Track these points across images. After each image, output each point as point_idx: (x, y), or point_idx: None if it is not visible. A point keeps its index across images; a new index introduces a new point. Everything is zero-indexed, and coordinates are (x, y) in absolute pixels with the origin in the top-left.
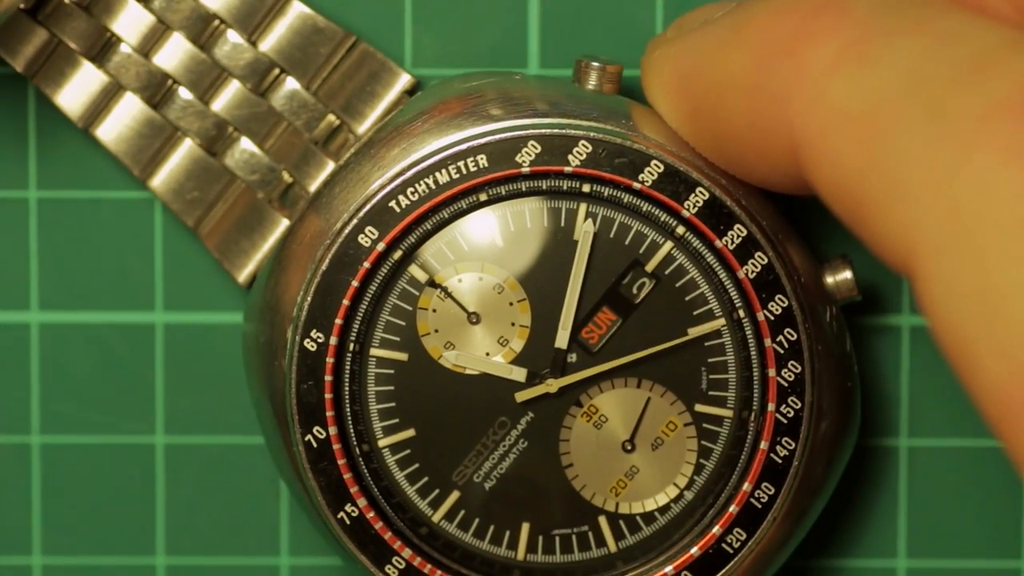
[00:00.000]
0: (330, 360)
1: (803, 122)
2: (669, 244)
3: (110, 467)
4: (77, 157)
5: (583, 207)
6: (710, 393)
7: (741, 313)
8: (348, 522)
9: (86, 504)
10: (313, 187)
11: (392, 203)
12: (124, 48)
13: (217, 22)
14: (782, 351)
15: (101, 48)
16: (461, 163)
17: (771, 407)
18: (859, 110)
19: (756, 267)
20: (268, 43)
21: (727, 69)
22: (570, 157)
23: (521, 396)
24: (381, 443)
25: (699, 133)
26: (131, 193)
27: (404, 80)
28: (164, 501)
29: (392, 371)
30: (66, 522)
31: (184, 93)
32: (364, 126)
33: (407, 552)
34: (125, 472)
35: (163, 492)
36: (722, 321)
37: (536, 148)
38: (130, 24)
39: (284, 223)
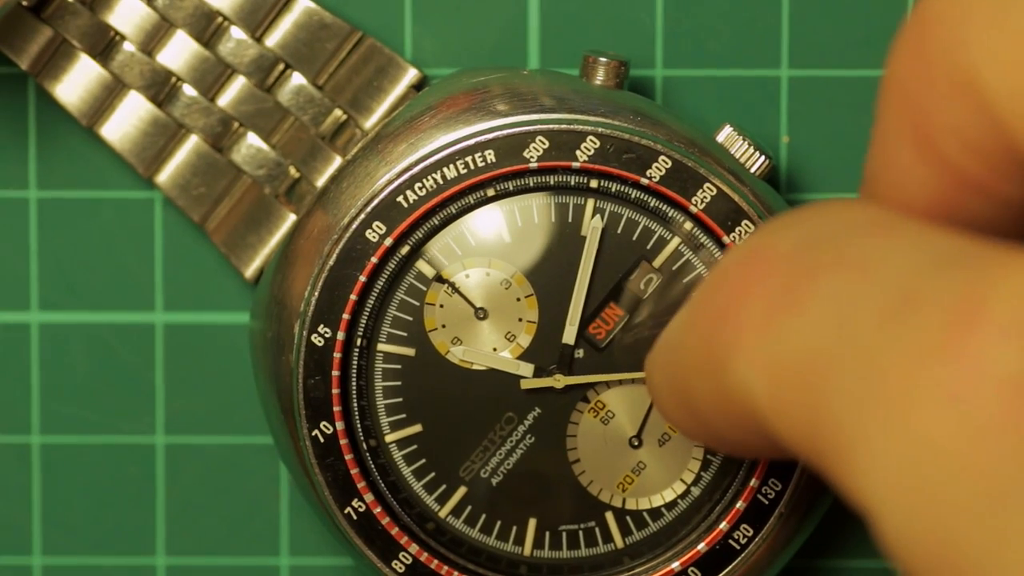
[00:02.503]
0: (337, 355)
1: (747, 384)
2: (677, 240)
3: (110, 467)
4: (77, 156)
5: (591, 203)
6: None
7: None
8: (355, 517)
9: (86, 504)
10: (320, 182)
11: (399, 198)
12: (128, 46)
13: (221, 19)
14: None
15: (105, 46)
16: (469, 158)
17: None
18: (796, 363)
19: None
20: (274, 39)
21: (687, 355)
22: (578, 153)
23: (527, 384)
24: (388, 438)
25: (692, 425)
26: (131, 193)
27: (411, 75)
28: (164, 501)
29: (399, 366)
30: (66, 522)
31: (188, 90)
32: (371, 121)
33: (414, 547)
34: (125, 472)
35: (163, 492)
36: None
37: (544, 143)
38: (134, 22)
39: (291, 218)
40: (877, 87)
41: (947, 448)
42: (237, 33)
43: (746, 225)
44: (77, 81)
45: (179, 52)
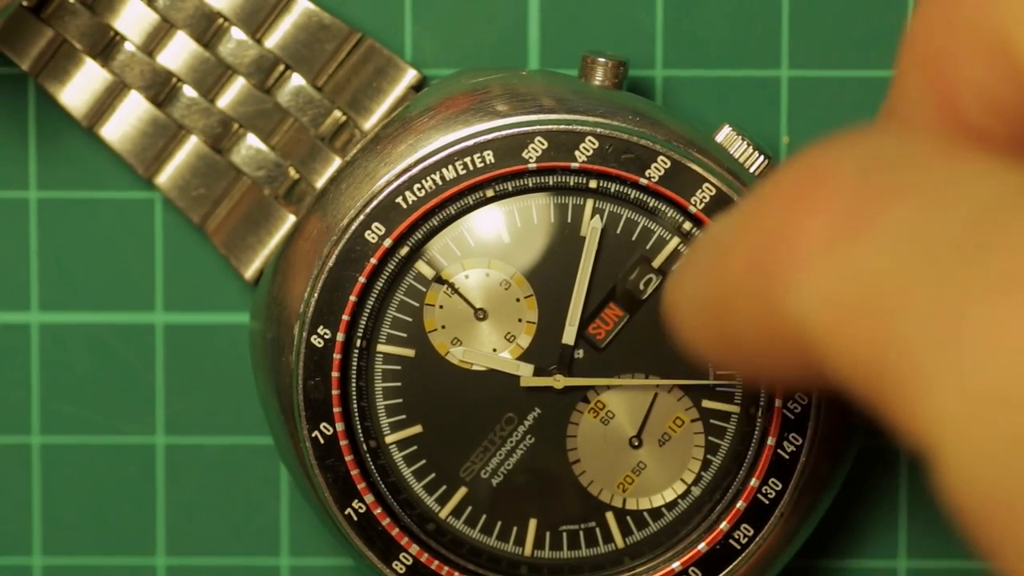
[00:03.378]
0: (337, 356)
1: (805, 314)
2: (676, 240)
3: (110, 467)
4: (77, 157)
5: (590, 203)
6: (717, 389)
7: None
8: (355, 518)
9: (86, 504)
10: (319, 183)
11: (399, 199)
12: (128, 47)
13: (221, 20)
14: None
15: (105, 47)
16: (468, 159)
17: (778, 403)
18: (864, 293)
19: None
20: (273, 40)
21: (729, 276)
22: (577, 153)
23: (526, 381)
24: (388, 439)
25: (724, 350)
26: (131, 193)
27: (410, 76)
28: (164, 501)
29: (399, 367)
30: (66, 522)
31: (188, 91)
32: (370, 122)
33: (414, 548)
34: (125, 472)
35: (163, 492)
36: None
37: (543, 144)
38: (134, 23)
39: (290, 219)
40: (877, 87)
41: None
42: (237, 34)
43: None
44: (77, 82)
45: (179, 53)
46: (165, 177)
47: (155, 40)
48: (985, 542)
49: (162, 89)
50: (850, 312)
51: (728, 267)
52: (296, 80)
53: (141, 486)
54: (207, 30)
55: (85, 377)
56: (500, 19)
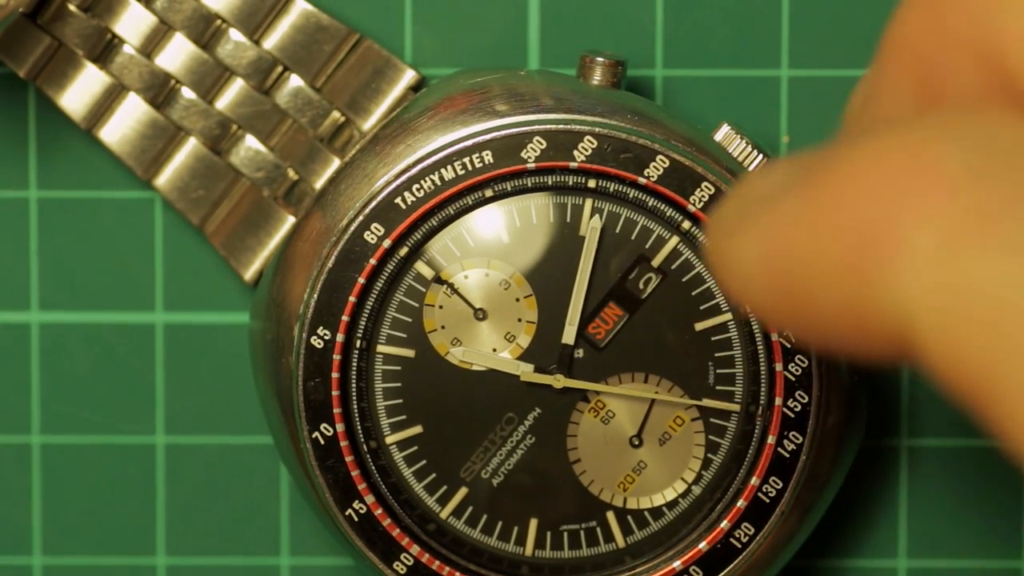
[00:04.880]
0: (337, 357)
1: (910, 308)
2: (675, 239)
3: (110, 467)
4: (77, 157)
5: (589, 202)
6: (717, 388)
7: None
8: (356, 519)
9: (86, 504)
10: (319, 184)
11: (398, 200)
12: (126, 49)
13: (219, 21)
14: (789, 345)
15: (103, 50)
16: (467, 159)
17: (778, 401)
18: (984, 301)
19: None
20: (271, 41)
21: (813, 253)
22: (575, 152)
23: (526, 377)
24: (388, 440)
25: (793, 317)
26: (131, 193)
27: (409, 76)
28: (164, 501)
29: (399, 368)
30: (66, 522)
31: (187, 93)
32: (369, 123)
33: (415, 548)
34: (125, 472)
35: (163, 492)
36: (729, 316)
37: (541, 144)
38: (132, 25)
39: (290, 220)
40: None
41: None
42: (235, 35)
43: None
44: (76, 85)
45: (177, 55)
46: (164, 179)
47: (153, 42)
48: None
49: (161, 91)
50: (967, 319)
51: (816, 242)
52: (295, 81)
53: (141, 486)
54: (205, 32)
55: (85, 377)
56: (500, 19)
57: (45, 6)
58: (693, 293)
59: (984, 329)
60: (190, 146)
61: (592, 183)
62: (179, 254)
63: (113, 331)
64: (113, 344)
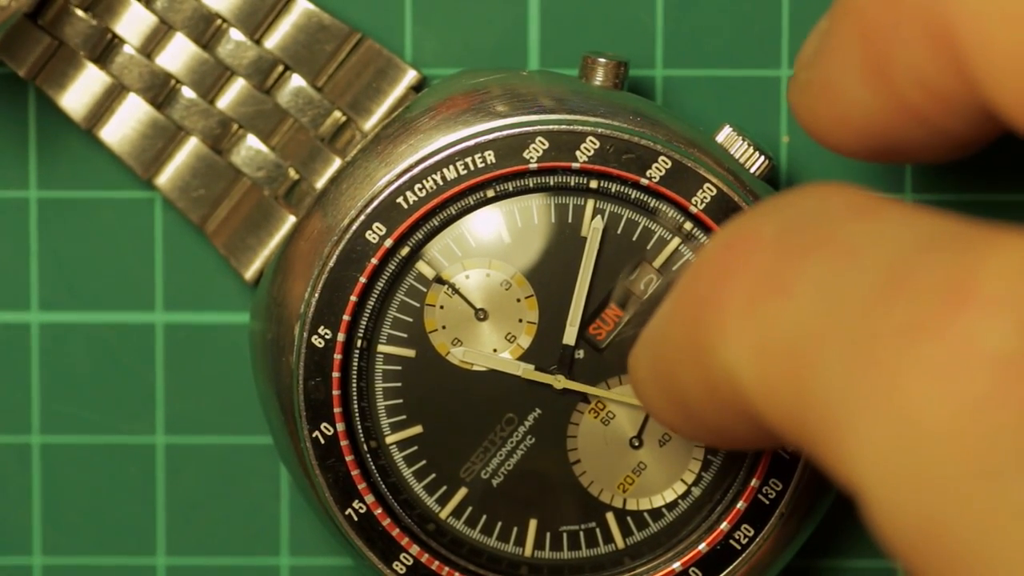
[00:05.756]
0: (338, 357)
1: (734, 367)
2: (677, 240)
3: (110, 467)
4: (77, 157)
5: (591, 203)
6: None
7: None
8: (356, 519)
9: (86, 504)
10: (320, 184)
11: (399, 199)
12: (126, 49)
13: (220, 21)
14: None
15: (103, 50)
16: (468, 159)
17: None
18: (782, 345)
19: None
20: (273, 40)
21: (671, 344)
22: (578, 153)
23: (527, 374)
24: (389, 439)
25: (673, 409)
26: (131, 193)
27: (410, 76)
28: (164, 501)
29: (399, 367)
30: (66, 522)
31: (188, 92)
32: (371, 123)
33: (415, 548)
34: (125, 472)
35: (163, 492)
36: None
37: (544, 144)
38: (132, 25)
39: (291, 220)
40: None
41: (937, 427)
42: (236, 35)
43: None
44: (76, 85)
45: (178, 54)
46: (165, 178)
47: (153, 42)
48: (912, 568)
49: (161, 91)
50: (772, 364)
51: (669, 334)
52: (296, 81)
53: (141, 486)
54: (206, 31)
55: (85, 377)
56: (500, 19)
57: (46, 6)
58: None
59: (787, 369)
60: (191, 145)
61: (594, 184)
62: (179, 254)
63: (113, 331)
64: (113, 344)
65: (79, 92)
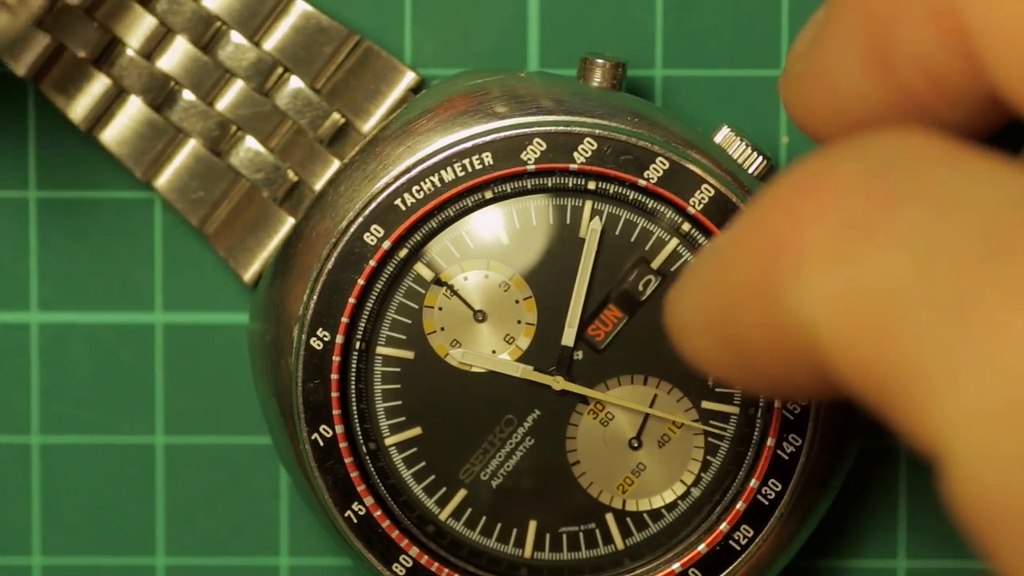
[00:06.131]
0: (336, 359)
1: (811, 317)
2: (675, 241)
3: (110, 467)
4: (77, 157)
5: (588, 204)
6: (716, 390)
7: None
8: (355, 520)
9: (86, 504)
10: (318, 186)
11: (398, 201)
12: (126, 51)
13: (219, 23)
14: None
15: (103, 52)
16: (466, 161)
17: (777, 403)
18: (871, 299)
19: None
20: (271, 42)
21: (733, 284)
22: (575, 154)
23: (526, 374)
24: (388, 441)
25: (729, 360)
26: (131, 193)
27: (409, 78)
28: (164, 501)
29: (398, 369)
30: (66, 522)
31: (187, 94)
32: (369, 124)
33: (414, 550)
34: (125, 472)
35: (163, 492)
36: None
37: (541, 145)
38: (132, 27)
39: (290, 222)
40: None
41: None
42: (236, 37)
43: None
44: (75, 87)
45: (177, 57)
46: (164, 180)
47: (153, 44)
48: (989, 545)
49: (160, 93)
50: (858, 317)
51: (732, 273)
52: (295, 83)
53: (141, 486)
54: (205, 34)
55: (85, 377)
56: (500, 20)
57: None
58: None
59: (875, 325)
60: (190, 147)
61: (592, 185)
62: (179, 254)
63: (113, 331)
64: (113, 344)
65: (79, 94)
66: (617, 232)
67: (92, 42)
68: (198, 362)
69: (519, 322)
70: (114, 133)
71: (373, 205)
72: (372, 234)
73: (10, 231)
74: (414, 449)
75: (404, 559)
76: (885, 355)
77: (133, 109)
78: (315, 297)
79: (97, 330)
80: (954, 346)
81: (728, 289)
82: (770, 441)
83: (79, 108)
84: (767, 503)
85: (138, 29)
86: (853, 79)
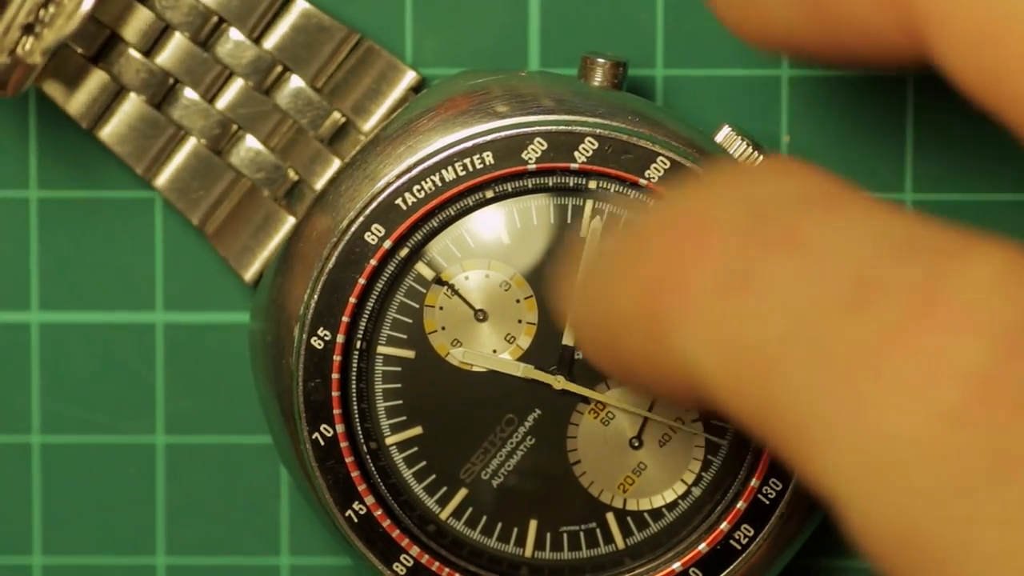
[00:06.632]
0: (337, 358)
1: (693, 356)
2: None
3: (110, 467)
4: (77, 157)
5: (589, 203)
6: None
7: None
8: (356, 520)
9: (86, 504)
10: (319, 185)
11: (398, 200)
12: (126, 49)
13: (218, 20)
14: None
15: (103, 48)
16: (467, 160)
17: None
18: (749, 346)
19: None
20: (272, 41)
21: (619, 313)
22: (576, 154)
23: (526, 373)
24: (388, 441)
25: (612, 363)
26: (131, 193)
27: (410, 77)
28: (164, 501)
29: (399, 369)
30: (66, 522)
31: (188, 92)
32: (370, 124)
33: (415, 550)
34: (125, 472)
35: (163, 492)
36: None
37: (542, 145)
38: (132, 24)
39: (290, 221)
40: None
41: (910, 436)
42: (235, 35)
43: None
44: (75, 84)
45: (177, 53)
46: (164, 179)
47: (152, 40)
48: (887, 571)
49: (160, 90)
50: (737, 362)
51: (618, 300)
52: (295, 82)
53: (141, 486)
54: (203, 29)
55: (85, 377)
56: (501, 19)
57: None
58: None
59: (754, 368)
60: (190, 146)
61: (593, 184)
62: (179, 254)
63: (113, 331)
64: (113, 344)
65: (78, 91)
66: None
67: (91, 38)
68: (198, 362)
69: (520, 321)
70: (114, 130)
71: (374, 204)
72: (373, 233)
73: (10, 231)
74: (415, 448)
75: (405, 558)
76: (766, 398)
77: (133, 106)
78: (316, 296)
79: (97, 330)
80: (825, 393)
81: (613, 311)
82: None
83: (80, 105)
84: (768, 502)
85: (136, 24)
86: (783, 8)
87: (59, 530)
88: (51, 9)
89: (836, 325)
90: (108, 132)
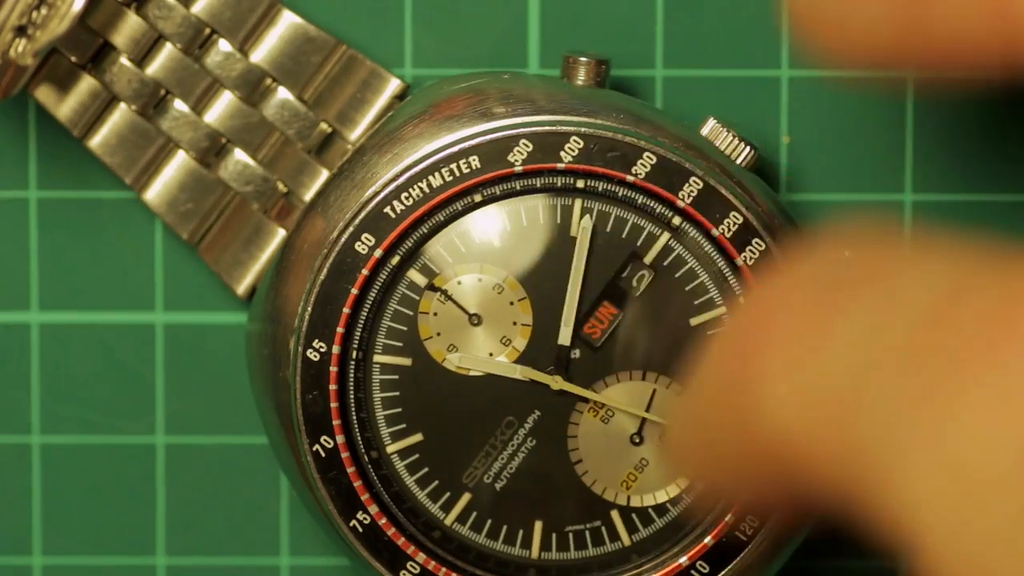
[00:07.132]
0: (334, 369)
1: (780, 415)
2: (666, 235)
3: (110, 467)
4: (77, 157)
5: (578, 203)
6: None
7: (743, 300)
8: (360, 530)
9: (86, 504)
10: (308, 196)
11: (387, 209)
12: (118, 57)
13: (208, 31)
14: None
15: (94, 57)
16: (454, 165)
17: None
18: (828, 385)
19: (755, 253)
20: (259, 54)
21: (708, 407)
22: (562, 154)
23: (525, 374)
24: (389, 449)
25: (715, 477)
26: (131, 194)
27: (394, 85)
28: (164, 501)
29: (396, 376)
30: (66, 522)
31: (177, 104)
32: (356, 133)
33: (421, 556)
34: (125, 472)
35: (163, 492)
36: (724, 309)
37: (528, 146)
38: (124, 32)
39: (281, 234)
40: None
41: (994, 465)
42: (224, 46)
43: (734, 216)
44: (66, 92)
45: (167, 64)
46: (153, 193)
47: (143, 50)
48: None
49: (150, 100)
50: (817, 405)
51: (708, 397)
52: (282, 93)
53: (141, 486)
54: (195, 40)
55: (85, 377)
56: (500, 20)
57: None
58: (686, 288)
59: (834, 414)
60: (179, 159)
61: (580, 183)
62: (179, 254)
63: (113, 331)
64: (113, 344)
65: (69, 99)
66: (608, 229)
67: (82, 47)
68: (198, 362)
69: (515, 324)
70: (104, 140)
71: (363, 214)
72: (363, 243)
73: (10, 231)
74: (416, 455)
75: (411, 566)
76: (846, 438)
77: (123, 116)
78: (309, 308)
79: (97, 330)
80: (906, 421)
81: (705, 411)
82: None
83: (70, 114)
84: None
85: (128, 33)
86: (870, 7)
87: (59, 530)
88: (43, 11)
89: (912, 349)
90: (97, 142)
